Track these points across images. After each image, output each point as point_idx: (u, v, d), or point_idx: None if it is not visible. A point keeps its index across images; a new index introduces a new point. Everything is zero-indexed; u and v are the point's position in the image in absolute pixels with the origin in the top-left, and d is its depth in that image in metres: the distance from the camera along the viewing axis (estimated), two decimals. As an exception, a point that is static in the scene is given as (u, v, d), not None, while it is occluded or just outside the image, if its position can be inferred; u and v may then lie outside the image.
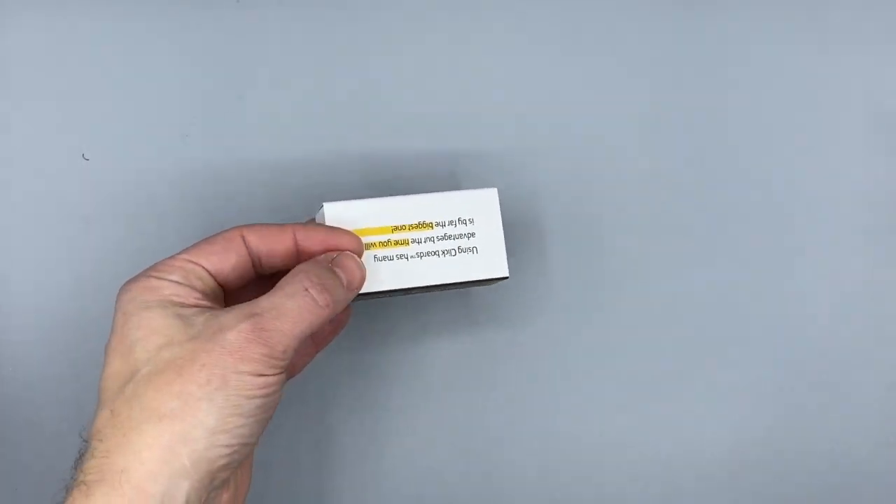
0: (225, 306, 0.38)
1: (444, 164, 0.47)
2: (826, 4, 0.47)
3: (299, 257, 0.38)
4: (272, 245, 0.38)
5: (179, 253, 0.37)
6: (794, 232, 0.48)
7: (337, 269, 0.37)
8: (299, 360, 0.42)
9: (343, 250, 0.38)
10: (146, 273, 0.36)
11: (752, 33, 0.47)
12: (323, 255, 0.38)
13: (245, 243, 0.37)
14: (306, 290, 0.35)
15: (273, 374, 0.34)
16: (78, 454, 0.35)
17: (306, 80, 0.46)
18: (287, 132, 0.46)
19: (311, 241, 0.38)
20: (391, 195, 0.39)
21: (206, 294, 0.37)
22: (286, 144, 0.46)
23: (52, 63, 0.45)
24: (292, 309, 0.35)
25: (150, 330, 0.34)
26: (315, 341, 0.42)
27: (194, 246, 0.37)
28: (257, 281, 0.39)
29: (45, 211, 0.45)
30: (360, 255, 0.39)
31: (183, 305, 0.35)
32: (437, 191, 0.39)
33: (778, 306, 0.49)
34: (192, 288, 0.36)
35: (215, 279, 0.37)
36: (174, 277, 0.36)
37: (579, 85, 0.47)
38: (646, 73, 0.47)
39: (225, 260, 0.37)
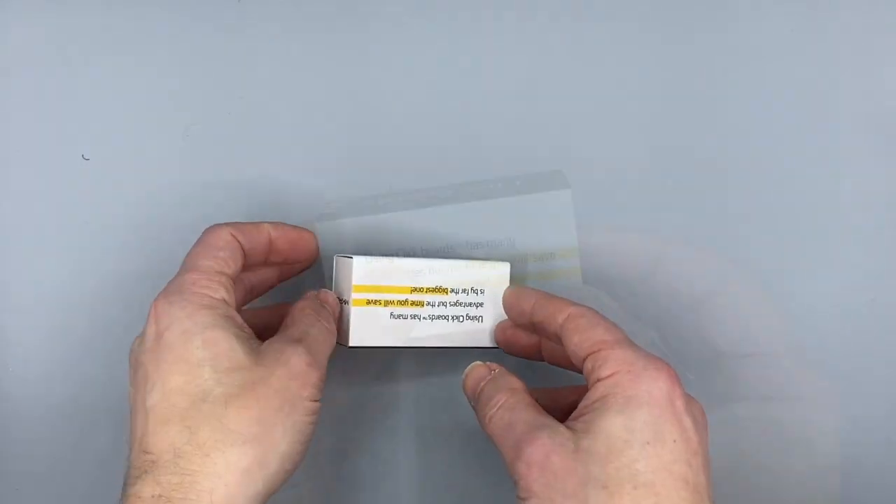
0: None
1: (445, 165, 0.47)
2: (826, 4, 0.46)
3: (269, 255, 0.41)
4: (254, 243, 0.40)
5: (201, 262, 0.38)
6: (793, 232, 0.48)
7: (324, 303, 0.41)
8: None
9: (306, 248, 0.42)
10: (191, 288, 0.37)
11: (753, 33, 0.47)
12: (309, 293, 0.41)
13: (239, 244, 0.39)
14: (319, 320, 0.39)
15: (319, 399, 0.37)
16: (128, 461, 0.35)
17: (307, 80, 0.46)
18: (287, 132, 0.46)
19: (282, 239, 0.41)
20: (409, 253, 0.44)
21: (236, 304, 0.38)
22: (286, 144, 0.46)
23: (51, 63, 0.45)
24: (318, 336, 0.38)
25: (218, 351, 0.35)
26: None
27: (202, 255, 0.38)
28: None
29: (44, 211, 0.45)
30: (314, 254, 0.43)
31: (238, 326, 0.37)
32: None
33: (778, 306, 0.49)
34: (234, 304, 0.38)
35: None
36: (222, 294, 0.37)
37: (582, 95, 0.47)
38: (645, 73, 0.47)
39: (234, 265, 0.39)
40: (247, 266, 0.40)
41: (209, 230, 0.39)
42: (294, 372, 0.36)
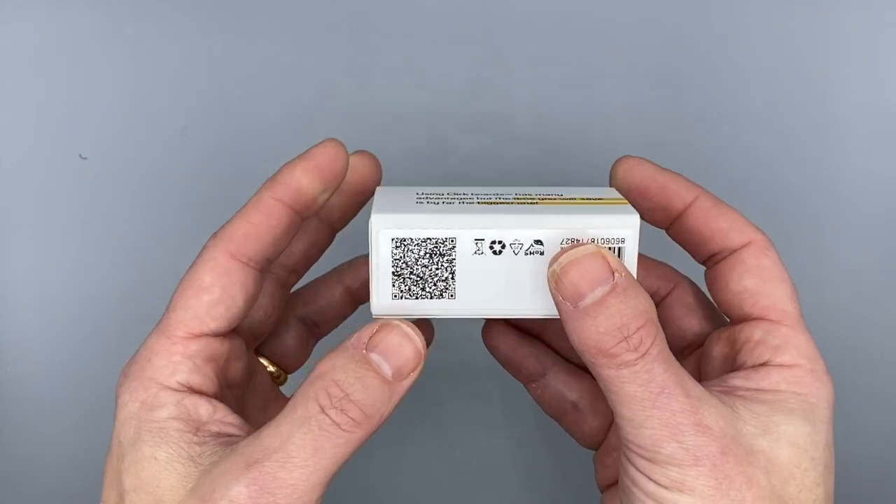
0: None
1: (446, 165, 0.47)
2: (826, 4, 0.46)
3: (301, 222, 0.29)
4: (268, 237, 0.29)
5: (174, 316, 0.28)
6: (793, 232, 0.48)
7: (373, 356, 0.25)
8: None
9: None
10: (144, 370, 0.27)
11: (753, 32, 0.47)
12: (356, 336, 0.26)
13: (239, 261, 0.28)
14: (321, 410, 0.25)
15: None
16: None
17: (306, 79, 0.46)
18: (286, 131, 0.46)
19: (299, 195, 0.29)
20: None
21: (220, 377, 0.28)
22: (285, 143, 0.46)
23: (49, 62, 0.45)
24: (303, 447, 0.24)
25: (139, 481, 0.26)
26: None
27: (184, 298, 0.28)
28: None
29: (43, 211, 0.45)
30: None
31: (186, 435, 0.26)
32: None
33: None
34: (202, 390, 0.27)
35: (227, 334, 0.29)
36: (178, 378, 0.27)
37: (582, 95, 0.47)
38: (644, 72, 0.47)
39: (231, 305, 0.28)
40: (270, 263, 0.29)
41: (200, 252, 0.28)
42: None
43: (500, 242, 0.27)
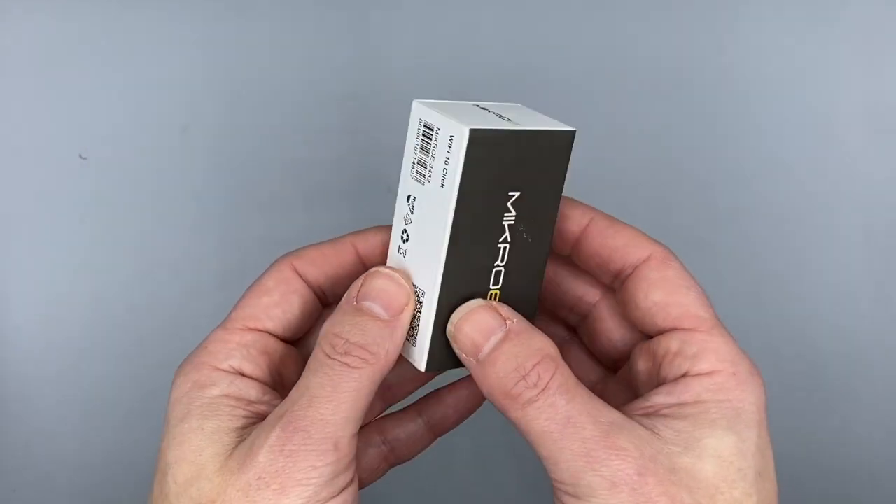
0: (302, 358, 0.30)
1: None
2: (826, 4, 0.46)
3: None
4: (331, 270, 0.30)
5: (234, 313, 0.29)
6: (794, 232, 0.48)
7: (365, 304, 0.27)
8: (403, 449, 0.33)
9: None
10: (199, 356, 0.29)
11: (753, 32, 0.47)
12: (345, 294, 0.28)
13: (301, 277, 0.30)
14: (328, 357, 0.26)
15: (335, 495, 0.26)
16: None
17: (306, 76, 0.46)
18: (286, 130, 0.46)
19: (374, 252, 0.30)
20: None
21: (273, 371, 0.30)
22: (285, 143, 0.46)
23: (49, 62, 0.45)
24: (321, 386, 0.26)
25: (182, 454, 0.27)
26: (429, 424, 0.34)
27: (246, 298, 0.30)
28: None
29: (43, 211, 0.45)
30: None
31: (235, 409, 0.28)
32: None
33: (777, 306, 0.49)
34: (254, 376, 0.29)
35: (283, 339, 0.30)
36: (232, 362, 0.28)
37: (581, 96, 0.47)
38: (646, 73, 0.47)
39: (288, 309, 0.30)
40: (331, 298, 0.31)
41: (271, 265, 0.30)
42: (266, 474, 0.25)
43: None
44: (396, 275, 0.28)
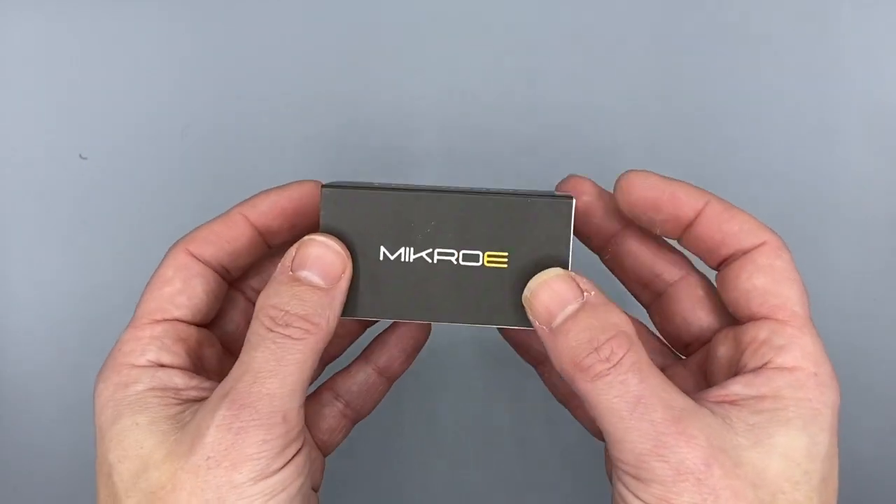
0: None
1: (446, 165, 0.47)
2: (828, 4, 0.46)
3: (270, 245, 0.31)
4: (227, 246, 0.30)
5: (139, 310, 0.29)
6: (794, 232, 0.48)
7: (301, 273, 0.27)
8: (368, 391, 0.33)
9: (301, 217, 0.29)
10: (115, 357, 0.28)
11: (753, 32, 0.47)
12: (280, 264, 0.28)
13: (199, 260, 0.30)
14: (270, 330, 0.26)
15: (285, 464, 0.26)
16: None
17: (306, 78, 0.46)
18: (286, 131, 0.46)
19: (272, 216, 0.30)
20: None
21: (193, 356, 0.29)
22: (285, 143, 0.46)
23: (49, 62, 0.45)
24: (265, 361, 0.26)
25: (123, 451, 0.26)
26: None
27: (148, 292, 0.29)
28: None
29: (43, 211, 0.45)
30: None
31: (164, 400, 0.27)
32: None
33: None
34: (175, 365, 0.28)
35: (194, 324, 0.30)
36: (148, 356, 0.28)
37: (581, 96, 0.47)
38: (643, 73, 0.47)
39: (193, 295, 0.29)
40: (233, 273, 0.31)
41: (166, 254, 0.30)
42: (216, 453, 0.25)
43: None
44: (331, 241, 0.28)
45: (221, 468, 0.25)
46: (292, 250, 0.27)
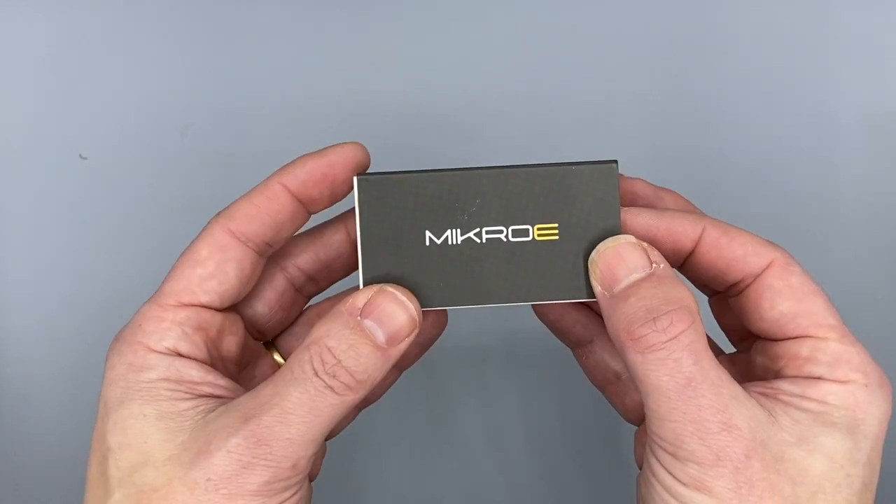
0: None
1: (447, 164, 0.46)
2: (827, 4, 0.46)
3: (309, 210, 0.29)
4: (269, 219, 0.28)
5: (167, 286, 0.28)
6: (794, 231, 0.48)
7: (367, 323, 0.26)
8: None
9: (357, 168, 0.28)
10: (134, 334, 0.27)
11: (753, 33, 0.47)
12: (350, 300, 0.26)
13: (239, 238, 0.28)
14: (315, 374, 0.25)
15: (280, 501, 0.25)
16: None
17: (306, 78, 0.46)
18: (286, 130, 0.46)
19: (306, 186, 0.28)
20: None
21: (211, 347, 0.28)
22: (285, 143, 0.46)
23: (50, 62, 0.45)
24: (300, 405, 0.25)
25: (126, 438, 0.26)
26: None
27: (179, 269, 0.28)
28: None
29: (43, 211, 0.45)
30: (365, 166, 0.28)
31: (176, 393, 0.26)
32: None
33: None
34: (191, 356, 0.27)
35: (220, 309, 0.29)
36: (167, 343, 0.27)
37: (581, 97, 0.47)
38: (644, 74, 0.47)
39: (224, 280, 0.28)
40: (276, 248, 0.29)
41: (201, 231, 0.29)
42: (218, 479, 0.24)
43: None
44: (409, 302, 0.26)
45: (219, 494, 0.24)
46: (367, 292, 0.26)
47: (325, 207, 0.30)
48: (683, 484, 0.25)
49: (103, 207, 0.45)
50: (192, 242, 0.29)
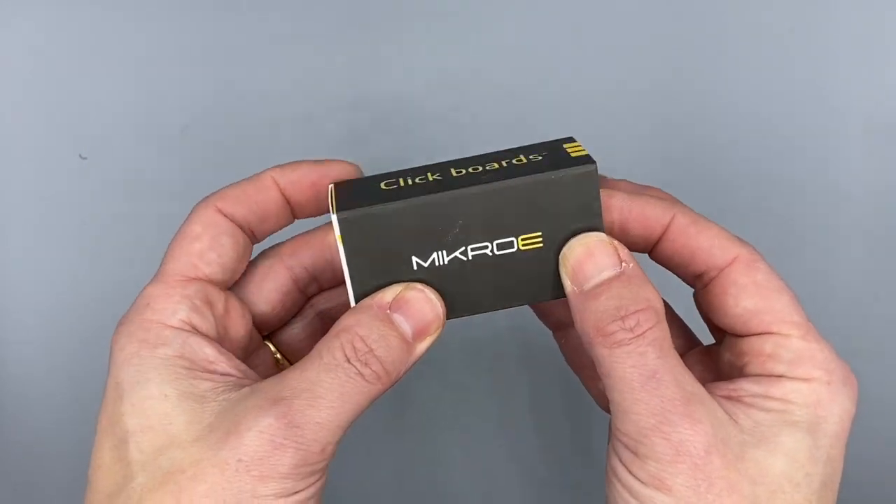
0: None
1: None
2: (826, 4, 0.46)
3: (294, 216, 0.30)
4: (256, 207, 0.29)
5: (168, 266, 0.28)
6: (794, 231, 0.48)
7: (396, 316, 0.27)
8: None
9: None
10: (142, 313, 0.27)
11: (753, 33, 0.47)
12: (378, 296, 0.27)
13: (227, 217, 0.29)
14: (347, 360, 0.25)
15: (306, 488, 0.25)
16: None
17: (305, 78, 0.46)
18: (286, 130, 0.46)
19: (296, 188, 0.29)
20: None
21: (220, 325, 0.28)
22: (284, 143, 0.46)
23: (49, 62, 0.45)
24: (331, 389, 0.25)
25: (147, 420, 0.25)
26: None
27: (176, 248, 0.28)
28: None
29: (43, 211, 0.45)
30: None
31: (193, 373, 0.26)
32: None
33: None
34: (203, 332, 0.27)
35: (220, 284, 0.29)
36: (180, 316, 0.27)
37: (581, 97, 0.47)
38: (643, 72, 0.47)
39: (223, 252, 0.28)
40: (258, 237, 0.30)
41: (192, 211, 0.29)
42: (250, 459, 0.24)
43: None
44: (437, 301, 0.27)
45: (250, 475, 0.24)
46: (396, 288, 0.27)
47: (311, 216, 0.30)
48: (643, 482, 0.25)
49: (103, 207, 0.45)
50: (183, 224, 0.29)
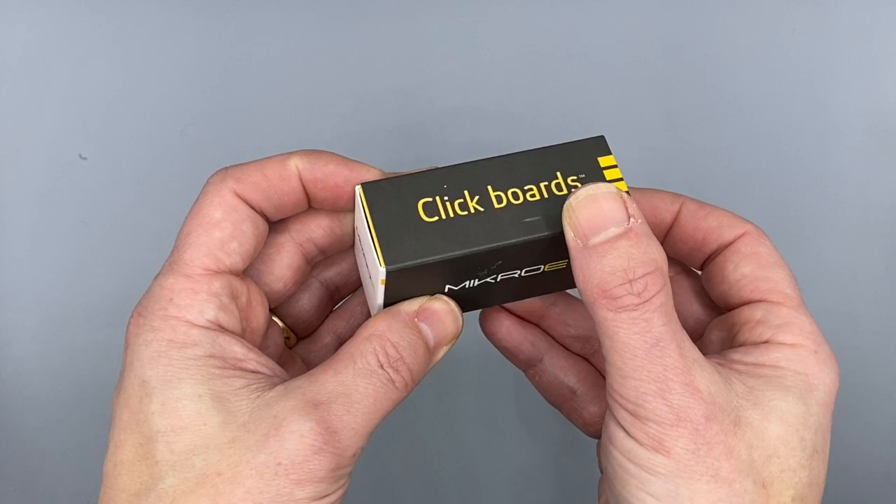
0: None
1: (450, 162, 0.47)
2: (826, 4, 0.46)
3: (310, 204, 0.29)
4: (275, 197, 0.28)
5: (188, 254, 0.26)
6: (794, 231, 0.48)
7: (423, 325, 0.27)
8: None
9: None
10: (166, 309, 0.26)
11: (754, 33, 0.47)
12: (405, 304, 0.27)
13: (248, 205, 0.28)
14: (381, 366, 0.26)
15: (336, 491, 0.25)
16: None
17: (305, 77, 0.46)
18: (285, 130, 0.46)
19: (319, 186, 0.28)
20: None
21: (243, 319, 0.27)
22: (284, 143, 0.46)
23: (49, 62, 0.45)
24: (366, 395, 0.25)
25: (180, 421, 0.25)
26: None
27: (195, 234, 0.27)
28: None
29: (43, 211, 0.45)
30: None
31: (226, 371, 0.25)
32: None
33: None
34: (231, 329, 0.26)
35: (242, 275, 0.28)
36: (208, 316, 0.26)
37: (581, 97, 0.47)
38: (644, 72, 0.47)
39: (244, 241, 0.27)
40: (268, 222, 0.29)
41: (205, 188, 0.28)
42: (290, 463, 0.24)
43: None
44: (457, 311, 0.28)
45: (288, 479, 0.24)
46: (420, 300, 0.27)
47: (328, 210, 0.30)
48: (641, 444, 0.25)
49: (103, 207, 0.45)
50: (198, 205, 0.27)
